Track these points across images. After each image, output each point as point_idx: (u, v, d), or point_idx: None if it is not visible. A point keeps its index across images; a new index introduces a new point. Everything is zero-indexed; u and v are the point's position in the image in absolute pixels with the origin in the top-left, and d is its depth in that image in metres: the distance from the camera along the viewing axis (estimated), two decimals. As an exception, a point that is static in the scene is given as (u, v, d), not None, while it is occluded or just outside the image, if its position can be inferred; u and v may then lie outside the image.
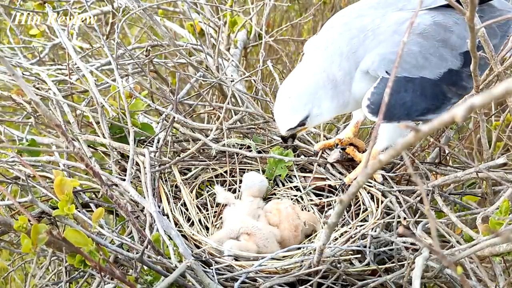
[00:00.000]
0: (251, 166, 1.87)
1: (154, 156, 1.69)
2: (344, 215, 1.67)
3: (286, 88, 1.56)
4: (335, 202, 1.76)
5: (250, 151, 1.82)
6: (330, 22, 1.63)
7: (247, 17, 2.56)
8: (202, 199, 1.80)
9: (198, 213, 1.73)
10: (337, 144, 1.81)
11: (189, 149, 1.79)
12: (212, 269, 1.39)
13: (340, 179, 1.77)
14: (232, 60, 2.32)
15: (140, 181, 1.60)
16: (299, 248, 1.50)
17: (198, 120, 2.48)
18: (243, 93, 2.05)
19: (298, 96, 1.53)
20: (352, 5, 1.66)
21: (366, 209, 1.65)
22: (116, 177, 1.56)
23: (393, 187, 1.67)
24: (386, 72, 1.49)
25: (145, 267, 1.27)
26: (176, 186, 1.75)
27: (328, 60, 1.55)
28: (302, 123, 1.56)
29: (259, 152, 1.85)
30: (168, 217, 1.58)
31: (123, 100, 1.70)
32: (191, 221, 1.68)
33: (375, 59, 1.50)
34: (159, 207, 1.56)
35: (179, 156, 1.80)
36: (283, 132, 1.60)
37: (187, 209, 1.71)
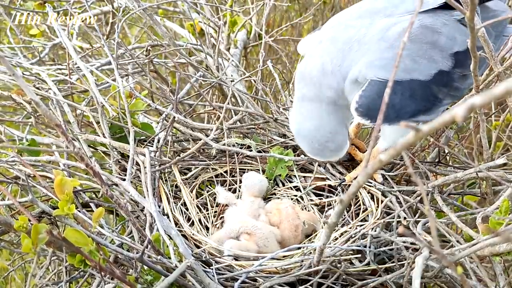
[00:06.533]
0: (251, 166, 1.88)
1: (154, 156, 1.69)
2: (344, 215, 1.67)
3: (315, 136, 1.61)
4: (335, 202, 1.76)
5: (251, 151, 1.82)
6: (320, 35, 1.63)
7: (247, 17, 2.56)
8: (202, 199, 1.80)
9: (198, 213, 1.73)
10: None
11: (189, 149, 1.79)
12: (212, 269, 1.39)
13: (340, 179, 1.77)
14: (232, 60, 2.32)
15: (140, 181, 1.60)
16: (299, 248, 1.51)
17: (198, 120, 2.48)
18: (243, 93, 2.05)
19: (333, 134, 1.60)
20: (343, 12, 1.64)
21: (366, 209, 1.65)
22: (116, 177, 1.56)
23: (393, 187, 1.67)
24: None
25: (145, 267, 1.27)
26: (176, 186, 1.75)
27: (317, 87, 1.56)
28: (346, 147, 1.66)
29: (259, 152, 1.85)
30: (168, 217, 1.58)
31: (123, 100, 1.70)
32: (191, 221, 1.68)
33: (362, 68, 1.48)
34: (159, 207, 1.56)
35: (179, 156, 1.80)
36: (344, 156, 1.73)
37: (187, 209, 1.71)
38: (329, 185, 1.80)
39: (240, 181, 1.81)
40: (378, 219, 1.56)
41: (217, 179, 1.85)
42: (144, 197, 1.48)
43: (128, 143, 1.65)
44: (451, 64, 1.51)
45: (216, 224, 1.74)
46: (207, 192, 1.82)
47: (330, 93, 1.55)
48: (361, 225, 1.57)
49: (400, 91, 1.48)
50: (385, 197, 1.64)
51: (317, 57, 1.57)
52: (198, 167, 1.83)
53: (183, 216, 1.65)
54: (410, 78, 1.48)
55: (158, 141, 1.74)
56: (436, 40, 1.49)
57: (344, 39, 1.53)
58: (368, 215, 1.63)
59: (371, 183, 1.69)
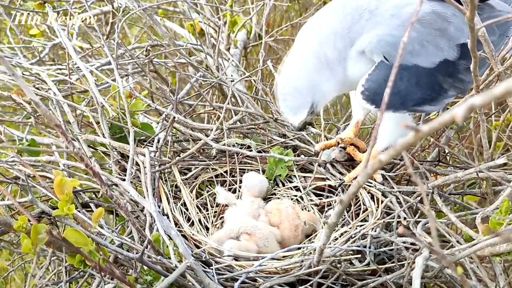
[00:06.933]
0: (251, 166, 1.87)
1: (154, 156, 1.69)
2: (344, 215, 1.67)
3: (283, 83, 1.55)
4: (335, 202, 1.76)
5: (251, 151, 1.82)
6: (328, 4, 1.63)
7: (247, 17, 2.56)
8: (202, 199, 1.80)
9: (198, 213, 1.73)
10: (338, 143, 1.81)
11: (189, 149, 1.79)
12: (212, 269, 1.39)
13: (340, 179, 1.77)
14: (232, 60, 2.32)
15: (140, 181, 1.60)
16: (299, 248, 1.50)
17: (198, 120, 2.47)
18: (243, 93, 2.05)
19: (296, 91, 1.52)
20: None
21: (366, 209, 1.65)
22: (116, 177, 1.56)
23: (393, 187, 1.67)
24: (384, 57, 1.47)
25: (145, 267, 1.27)
26: (176, 186, 1.75)
27: (320, 42, 1.53)
28: (311, 112, 1.56)
29: (259, 152, 1.85)
30: (168, 217, 1.57)
31: (123, 100, 1.70)
32: (191, 221, 1.68)
33: (372, 39, 1.47)
34: (159, 207, 1.56)
35: (179, 156, 1.80)
36: (296, 125, 1.59)
37: (187, 209, 1.71)
38: (329, 185, 1.79)
39: (240, 181, 1.81)
40: (378, 219, 1.56)
41: (217, 179, 1.85)
42: (144, 197, 1.48)
43: (128, 143, 1.65)
44: (456, 54, 1.51)
45: (216, 224, 1.74)
46: (207, 192, 1.81)
47: (332, 54, 1.51)
48: (361, 225, 1.56)
49: (406, 77, 1.47)
50: (385, 197, 1.64)
51: (325, 19, 1.55)
52: (198, 167, 1.83)
53: (183, 216, 1.65)
54: (415, 63, 1.47)
55: (158, 141, 1.74)
56: (446, 28, 1.49)
57: (354, 5, 1.52)
58: (368, 215, 1.62)
59: (371, 183, 1.69)
